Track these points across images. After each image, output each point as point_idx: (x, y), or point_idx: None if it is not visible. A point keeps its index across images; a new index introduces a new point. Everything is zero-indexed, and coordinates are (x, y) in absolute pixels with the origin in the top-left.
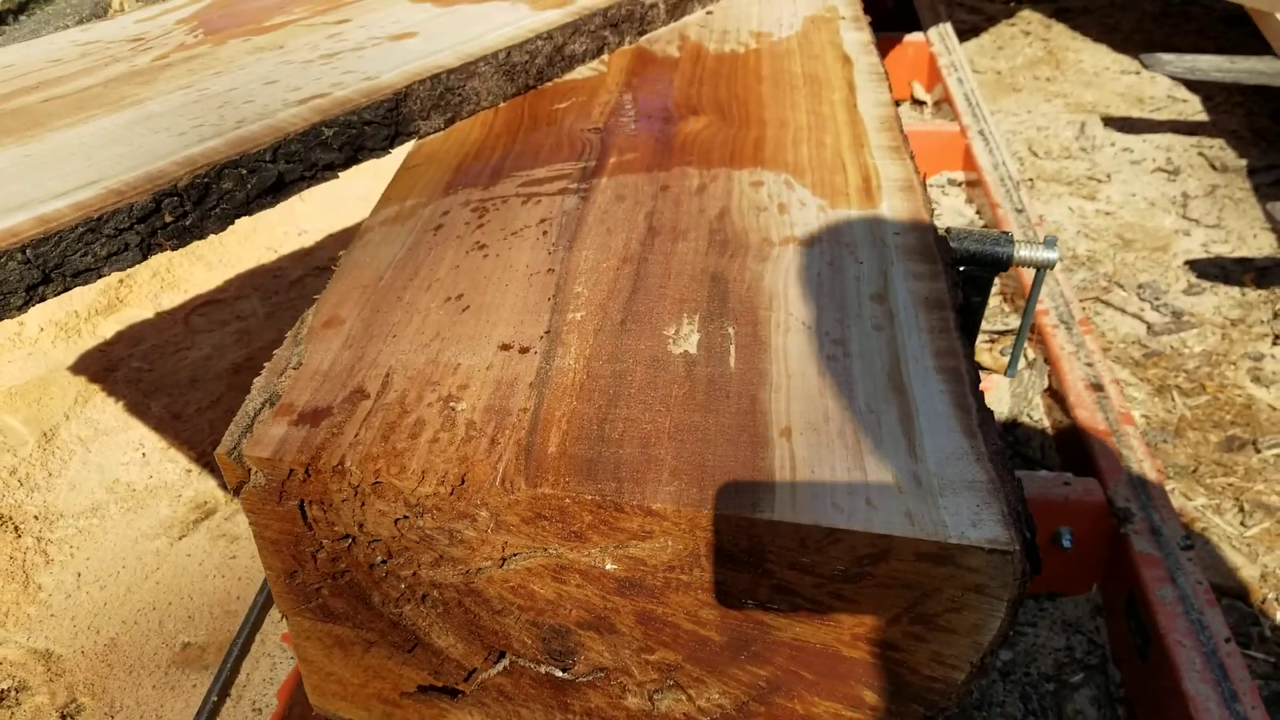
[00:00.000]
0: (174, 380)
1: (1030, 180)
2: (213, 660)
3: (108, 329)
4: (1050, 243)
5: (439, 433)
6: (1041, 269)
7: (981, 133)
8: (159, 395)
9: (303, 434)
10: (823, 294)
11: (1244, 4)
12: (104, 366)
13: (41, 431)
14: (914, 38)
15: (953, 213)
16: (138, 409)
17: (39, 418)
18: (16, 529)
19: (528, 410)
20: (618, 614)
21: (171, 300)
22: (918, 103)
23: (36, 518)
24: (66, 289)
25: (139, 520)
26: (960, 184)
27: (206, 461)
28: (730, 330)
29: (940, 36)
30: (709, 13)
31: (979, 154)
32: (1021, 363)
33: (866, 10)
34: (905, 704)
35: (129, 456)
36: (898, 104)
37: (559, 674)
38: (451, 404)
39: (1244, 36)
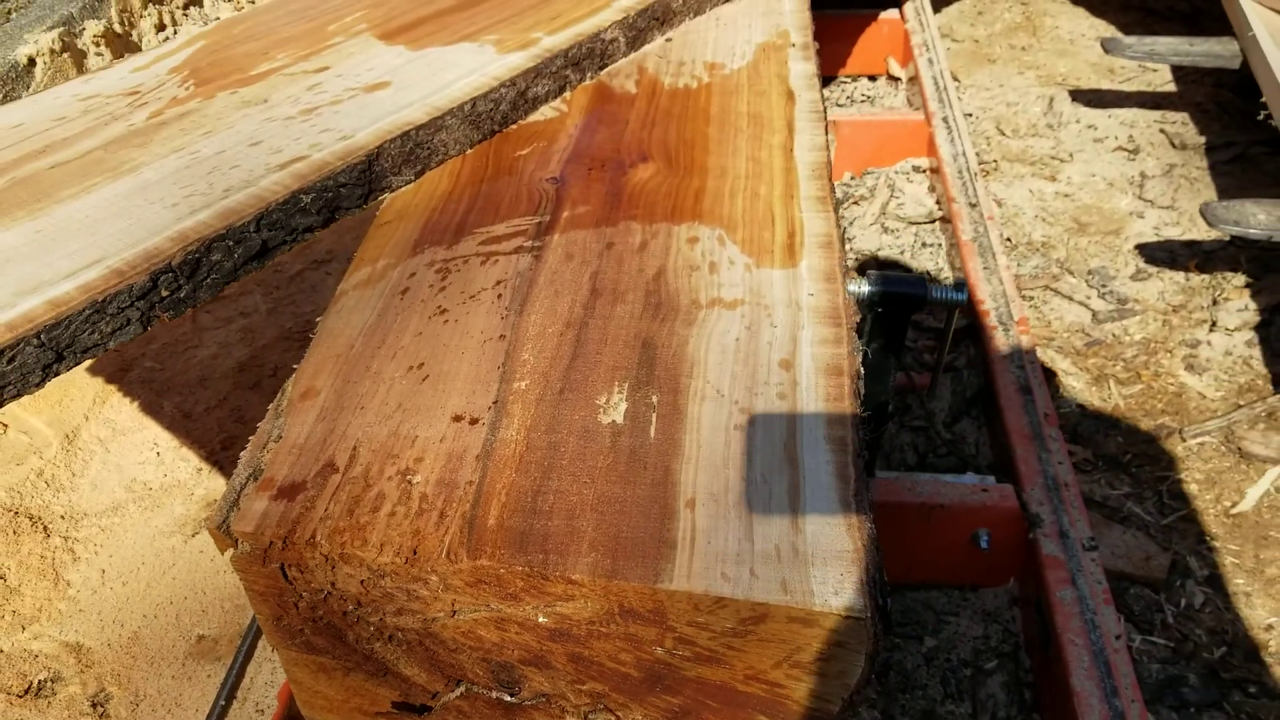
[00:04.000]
0: (184, 379)
1: (995, 162)
2: (224, 652)
3: None
4: (959, 285)
5: (396, 506)
6: (953, 309)
7: (945, 120)
8: (170, 394)
9: (281, 509)
10: (738, 360)
11: None
12: (119, 367)
13: (64, 433)
14: (890, 15)
15: (914, 201)
16: (151, 408)
17: (61, 419)
18: (45, 529)
19: (473, 484)
20: (552, 654)
21: None
22: (893, 79)
23: (63, 517)
24: (77, 364)
25: (155, 518)
26: (924, 170)
27: (215, 460)
28: (654, 399)
29: (916, 12)
30: (669, 40)
31: (940, 143)
32: (962, 361)
33: None
34: None
35: (145, 456)
36: (873, 79)
37: (508, 699)
38: (408, 477)
39: None
